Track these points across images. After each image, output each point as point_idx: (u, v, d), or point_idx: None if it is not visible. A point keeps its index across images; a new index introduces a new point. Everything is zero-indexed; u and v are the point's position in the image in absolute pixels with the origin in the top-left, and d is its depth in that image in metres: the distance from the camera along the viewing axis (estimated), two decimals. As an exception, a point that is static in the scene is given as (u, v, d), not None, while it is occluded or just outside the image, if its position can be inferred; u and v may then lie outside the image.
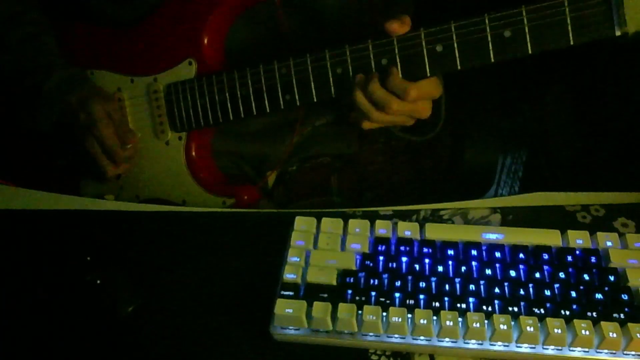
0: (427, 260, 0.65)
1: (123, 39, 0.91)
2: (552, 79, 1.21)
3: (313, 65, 0.78)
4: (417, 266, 0.65)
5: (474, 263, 0.65)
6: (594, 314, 0.60)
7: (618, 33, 0.65)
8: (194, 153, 0.91)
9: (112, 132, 0.87)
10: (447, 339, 0.60)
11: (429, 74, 0.73)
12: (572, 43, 0.67)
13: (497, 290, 0.62)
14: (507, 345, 0.59)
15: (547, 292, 0.62)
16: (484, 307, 0.60)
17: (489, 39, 0.70)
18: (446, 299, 0.62)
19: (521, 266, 0.64)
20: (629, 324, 0.58)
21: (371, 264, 0.65)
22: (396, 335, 0.60)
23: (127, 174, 0.93)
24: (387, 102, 0.74)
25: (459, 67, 0.72)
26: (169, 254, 0.72)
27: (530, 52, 0.69)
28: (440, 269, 0.64)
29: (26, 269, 0.72)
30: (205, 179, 0.92)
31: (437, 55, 0.72)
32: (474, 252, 0.66)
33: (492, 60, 0.70)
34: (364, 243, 0.67)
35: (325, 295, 0.62)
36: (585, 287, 0.62)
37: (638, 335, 0.57)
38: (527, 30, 0.68)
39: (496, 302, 0.61)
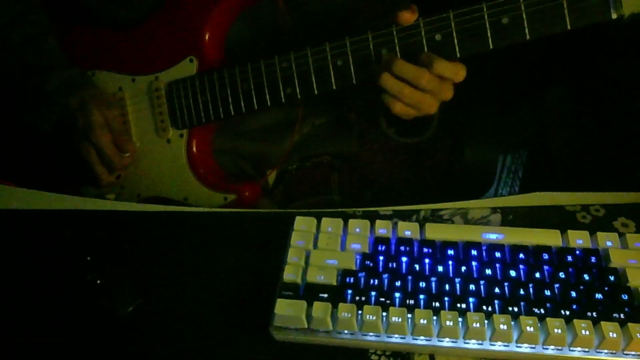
0: (427, 260, 0.65)
1: (124, 39, 0.91)
2: (552, 79, 1.21)
3: (314, 58, 0.79)
4: (417, 266, 0.65)
5: (474, 263, 0.65)
6: (594, 314, 0.60)
7: (614, 16, 0.66)
8: (195, 150, 0.91)
9: (109, 141, 0.87)
10: (447, 339, 0.60)
11: None
12: (569, 27, 0.68)
13: (497, 290, 0.62)
14: (507, 345, 0.59)
15: (547, 292, 0.62)
16: (484, 307, 0.60)
17: (487, 26, 0.70)
18: (446, 299, 0.62)
19: (521, 266, 0.64)
20: (629, 324, 0.58)
21: (371, 264, 0.65)
22: (396, 335, 0.60)
23: (126, 173, 0.93)
24: (418, 74, 0.73)
25: (458, 55, 0.73)
26: (169, 254, 0.72)
27: (528, 37, 0.69)
28: (440, 269, 0.64)
29: (26, 268, 0.72)
30: (207, 176, 0.92)
31: (437, 44, 0.73)
32: (474, 252, 0.66)
33: (491, 47, 0.71)
34: (364, 243, 0.67)
35: (325, 295, 0.62)
36: (585, 287, 0.62)
37: (638, 335, 0.57)
38: (524, 16, 0.69)
39: (496, 302, 0.61)
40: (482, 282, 0.63)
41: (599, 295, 0.61)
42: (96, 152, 0.88)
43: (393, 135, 0.88)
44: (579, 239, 0.67)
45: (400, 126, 0.87)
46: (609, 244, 0.66)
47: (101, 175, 0.90)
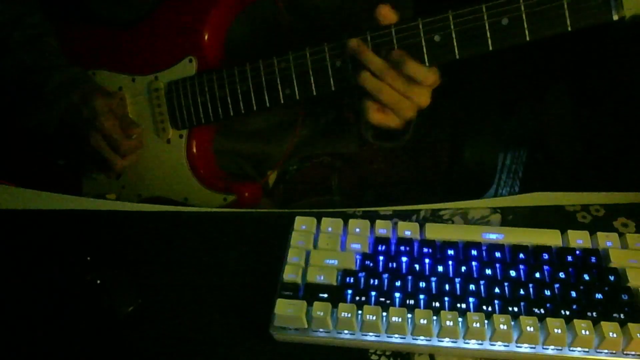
0: (427, 260, 0.65)
1: (123, 39, 0.91)
2: (552, 79, 1.21)
3: (312, 59, 0.78)
4: (417, 266, 0.65)
5: (474, 263, 0.65)
6: (594, 314, 0.60)
7: (615, 17, 0.65)
8: (195, 150, 0.91)
9: (115, 124, 0.87)
10: (447, 339, 0.60)
11: (427, 64, 0.74)
12: (569, 29, 0.67)
13: (497, 290, 0.62)
14: (507, 345, 0.59)
15: (547, 292, 0.62)
16: (484, 307, 0.60)
17: (487, 27, 0.70)
18: (446, 299, 0.62)
19: (521, 266, 0.64)
20: (629, 324, 0.58)
21: (371, 264, 0.65)
22: (396, 335, 0.60)
23: (128, 172, 0.93)
24: (382, 68, 0.73)
25: (457, 57, 0.72)
26: (169, 254, 0.72)
27: (528, 39, 0.69)
28: (440, 269, 0.64)
29: (26, 268, 0.72)
30: (207, 176, 0.92)
31: (435, 45, 0.72)
32: (474, 252, 0.66)
33: (490, 48, 0.71)
34: (364, 243, 0.67)
35: (325, 295, 0.62)
36: (585, 287, 0.62)
37: (638, 335, 0.57)
38: (524, 17, 0.68)
39: (496, 302, 0.61)
40: (482, 282, 0.63)
41: (599, 295, 0.61)
42: (103, 138, 0.88)
43: (370, 138, 0.88)
44: (579, 239, 0.67)
45: (377, 129, 0.87)
46: (609, 244, 0.66)
47: (112, 160, 0.89)
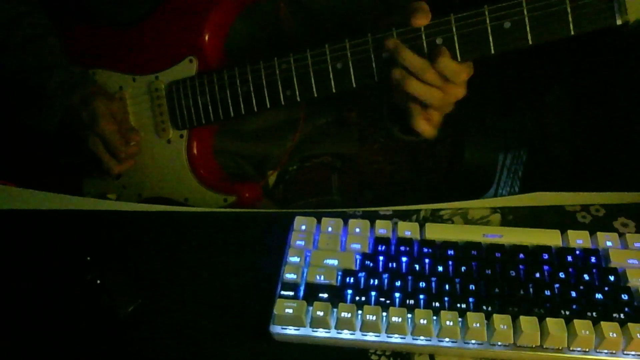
0: (427, 260, 0.65)
1: (124, 38, 0.91)
2: (551, 79, 1.21)
3: (313, 60, 0.78)
4: (417, 266, 0.65)
5: (473, 263, 0.65)
6: (594, 314, 0.60)
7: (619, 22, 0.65)
8: (195, 151, 0.91)
9: (114, 130, 0.87)
10: (447, 339, 0.60)
11: None
12: (572, 33, 0.67)
13: (497, 290, 0.62)
14: (507, 345, 0.59)
15: (547, 292, 0.62)
16: (484, 307, 0.60)
17: (489, 30, 0.69)
18: (446, 299, 0.62)
19: (521, 266, 0.64)
20: (629, 324, 0.58)
21: (371, 264, 0.65)
22: (396, 335, 0.60)
23: (128, 173, 0.93)
24: (422, 67, 0.71)
25: (459, 60, 0.72)
26: (169, 254, 0.72)
27: (530, 42, 0.68)
28: (440, 269, 0.64)
29: (26, 268, 0.72)
30: (207, 177, 0.92)
31: (438, 48, 0.72)
32: (474, 252, 0.66)
33: (492, 51, 0.70)
34: (364, 243, 0.67)
35: (325, 295, 0.62)
36: (585, 287, 0.62)
37: (638, 335, 0.57)
38: (527, 20, 0.68)
39: (496, 302, 0.61)
40: (482, 282, 0.63)
41: (599, 295, 0.61)
42: (102, 143, 0.88)
43: (397, 133, 0.87)
44: (579, 239, 0.67)
45: (404, 123, 0.86)
46: (609, 244, 0.66)
47: (109, 165, 0.89)
